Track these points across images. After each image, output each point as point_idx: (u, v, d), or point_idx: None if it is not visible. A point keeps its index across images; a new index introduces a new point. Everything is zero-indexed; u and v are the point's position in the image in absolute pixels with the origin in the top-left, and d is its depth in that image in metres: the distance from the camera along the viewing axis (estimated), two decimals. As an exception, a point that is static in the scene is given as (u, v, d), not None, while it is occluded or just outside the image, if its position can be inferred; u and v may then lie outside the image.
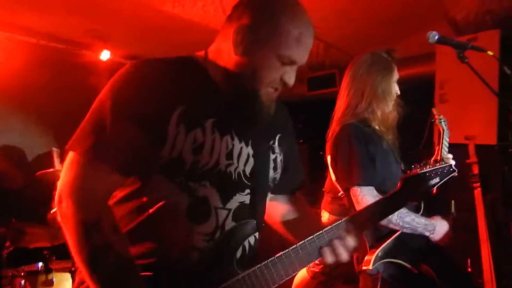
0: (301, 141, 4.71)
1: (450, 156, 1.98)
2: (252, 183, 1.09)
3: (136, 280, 0.94)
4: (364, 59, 1.85)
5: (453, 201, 1.92)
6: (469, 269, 2.92)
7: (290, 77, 1.05)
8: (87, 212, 0.93)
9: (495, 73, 2.73)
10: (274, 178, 1.19)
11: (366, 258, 1.63)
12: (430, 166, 1.19)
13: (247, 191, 1.09)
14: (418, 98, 3.01)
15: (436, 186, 1.20)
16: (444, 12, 3.06)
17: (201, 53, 1.12)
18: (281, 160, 1.20)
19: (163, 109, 0.98)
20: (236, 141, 1.06)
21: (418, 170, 1.17)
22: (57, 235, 2.54)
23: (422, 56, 3.67)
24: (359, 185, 1.65)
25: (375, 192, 1.66)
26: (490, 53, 1.61)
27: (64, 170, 0.98)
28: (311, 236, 1.06)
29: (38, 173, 2.86)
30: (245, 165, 1.08)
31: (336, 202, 2.66)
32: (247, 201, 1.08)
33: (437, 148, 1.99)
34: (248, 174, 1.08)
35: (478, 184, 2.89)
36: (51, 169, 2.89)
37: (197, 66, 1.09)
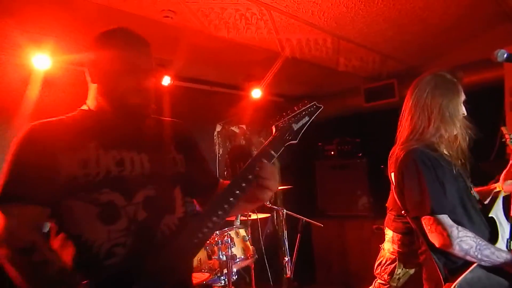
0: (360, 154, 4.62)
1: None
2: (153, 179, 1.30)
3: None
4: (427, 81, 1.78)
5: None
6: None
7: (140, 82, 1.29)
8: (20, 241, 1.13)
9: None
10: (180, 173, 1.40)
11: None
12: (297, 108, 1.33)
13: (150, 186, 1.29)
14: (487, 105, 2.85)
15: (306, 125, 1.32)
16: (510, 14, 2.88)
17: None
18: (182, 159, 1.42)
19: (46, 152, 1.20)
20: (125, 152, 1.29)
21: (285, 116, 1.32)
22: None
23: (487, 61, 3.46)
24: (431, 213, 1.57)
25: (449, 220, 1.56)
26: None
27: None
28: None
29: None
30: (141, 167, 1.30)
31: (400, 220, 2.57)
32: (153, 193, 1.29)
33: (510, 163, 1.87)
34: (147, 173, 1.30)
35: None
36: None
37: (84, 112, 1.36)
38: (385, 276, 2.49)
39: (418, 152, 1.65)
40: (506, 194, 1.83)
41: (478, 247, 1.52)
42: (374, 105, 4.40)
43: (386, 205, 2.77)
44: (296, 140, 1.32)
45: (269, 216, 3.52)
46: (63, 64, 3.12)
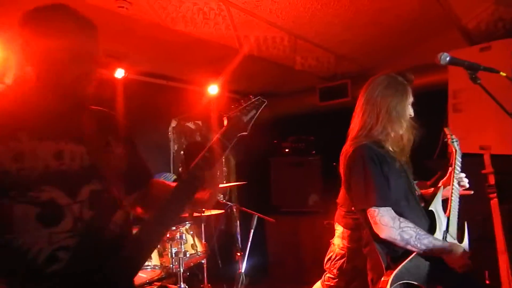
0: (313, 152, 4.72)
1: (463, 175, 1.98)
2: (96, 172, 1.18)
3: None
4: (379, 81, 1.86)
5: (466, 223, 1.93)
6: (487, 281, 2.88)
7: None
8: None
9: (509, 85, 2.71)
10: (118, 166, 1.29)
11: (382, 279, 1.61)
12: (244, 103, 1.37)
13: (94, 180, 1.17)
14: (431, 107, 3.00)
15: (253, 118, 1.35)
16: (456, 21, 3.05)
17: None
18: (121, 153, 1.32)
19: None
20: (62, 143, 1.15)
21: (235, 108, 1.34)
22: None
23: (434, 65, 3.64)
24: (376, 206, 1.65)
25: (392, 212, 1.65)
26: (503, 74, 1.60)
27: None
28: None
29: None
30: (81, 160, 1.17)
31: (350, 216, 2.66)
32: (99, 187, 1.17)
33: (450, 169, 1.99)
34: (87, 167, 1.17)
35: (495, 194, 2.85)
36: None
37: (9, 92, 1.20)
38: (334, 270, 2.57)
39: (365, 148, 1.73)
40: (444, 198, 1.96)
41: (417, 236, 1.62)
42: (328, 104, 4.52)
43: (337, 201, 2.86)
44: (246, 132, 1.33)
45: (222, 212, 3.51)
46: None
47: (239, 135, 1.31)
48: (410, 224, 1.64)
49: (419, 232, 1.63)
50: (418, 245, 1.62)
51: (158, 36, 3.00)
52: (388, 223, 1.62)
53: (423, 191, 2.05)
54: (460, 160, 1.97)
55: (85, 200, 1.13)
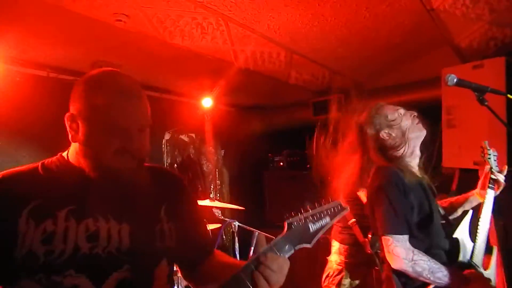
0: (308, 166, 4.72)
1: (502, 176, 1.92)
2: (131, 257, 1.06)
3: None
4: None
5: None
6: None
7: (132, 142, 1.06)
8: None
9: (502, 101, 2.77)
10: (167, 248, 1.16)
11: None
12: (317, 207, 1.12)
13: (126, 266, 1.05)
14: (425, 122, 3.03)
15: (324, 228, 1.10)
16: (449, 40, 3.10)
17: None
18: (172, 228, 1.18)
19: (8, 214, 0.99)
20: (102, 222, 1.05)
21: (303, 213, 1.08)
22: None
23: (428, 81, 3.71)
24: (390, 233, 1.62)
25: (407, 243, 1.61)
26: (510, 96, 1.63)
27: None
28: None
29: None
30: (119, 242, 1.06)
31: (346, 232, 2.66)
32: (128, 276, 1.05)
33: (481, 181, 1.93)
34: (124, 250, 1.06)
35: (490, 210, 2.86)
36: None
37: (63, 164, 1.13)
38: (333, 287, 2.55)
39: (391, 173, 1.70)
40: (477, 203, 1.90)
41: (431, 270, 1.58)
42: (322, 118, 4.53)
43: None
44: (310, 244, 1.07)
45: (220, 227, 3.44)
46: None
47: (298, 247, 1.08)
48: (424, 257, 1.60)
49: (433, 265, 1.59)
50: (432, 278, 1.58)
51: (153, 49, 2.99)
52: (400, 254, 1.59)
53: (456, 197, 2.01)
54: (496, 169, 1.88)
55: None
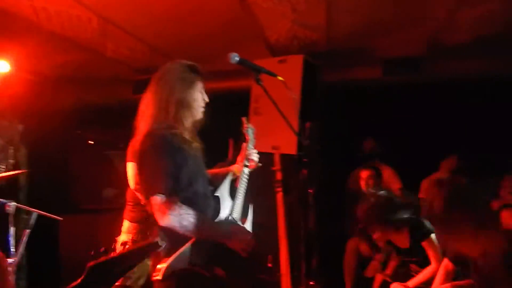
0: (121, 146, 4.52)
1: (255, 151, 2.12)
2: None
3: None
4: (168, 70, 1.87)
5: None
6: (270, 265, 3.26)
7: None
8: None
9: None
10: None
11: (158, 266, 1.60)
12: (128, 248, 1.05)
13: None
14: (237, 110, 3.22)
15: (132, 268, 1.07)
16: (260, 32, 3.35)
17: None
18: None
19: None
20: None
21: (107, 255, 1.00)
22: None
23: (243, 71, 3.93)
24: (159, 193, 1.62)
25: (174, 199, 1.64)
26: (280, 78, 1.87)
27: None
28: None
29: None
30: None
31: (137, 209, 2.66)
32: None
33: (239, 156, 2.12)
34: None
35: (280, 188, 3.25)
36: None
37: None
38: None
39: (159, 135, 1.70)
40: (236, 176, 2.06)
41: (197, 223, 1.64)
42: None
43: (126, 197, 2.79)
44: None
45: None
46: None
47: None
48: (190, 211, 1.65)
49: (199, 218, 1.66)
50: (198, 231, 1.65)
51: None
52: (166, 210, 1.61)
53: (217, 170, 2.13)
54: (252, 147, 2.10)
55: None
